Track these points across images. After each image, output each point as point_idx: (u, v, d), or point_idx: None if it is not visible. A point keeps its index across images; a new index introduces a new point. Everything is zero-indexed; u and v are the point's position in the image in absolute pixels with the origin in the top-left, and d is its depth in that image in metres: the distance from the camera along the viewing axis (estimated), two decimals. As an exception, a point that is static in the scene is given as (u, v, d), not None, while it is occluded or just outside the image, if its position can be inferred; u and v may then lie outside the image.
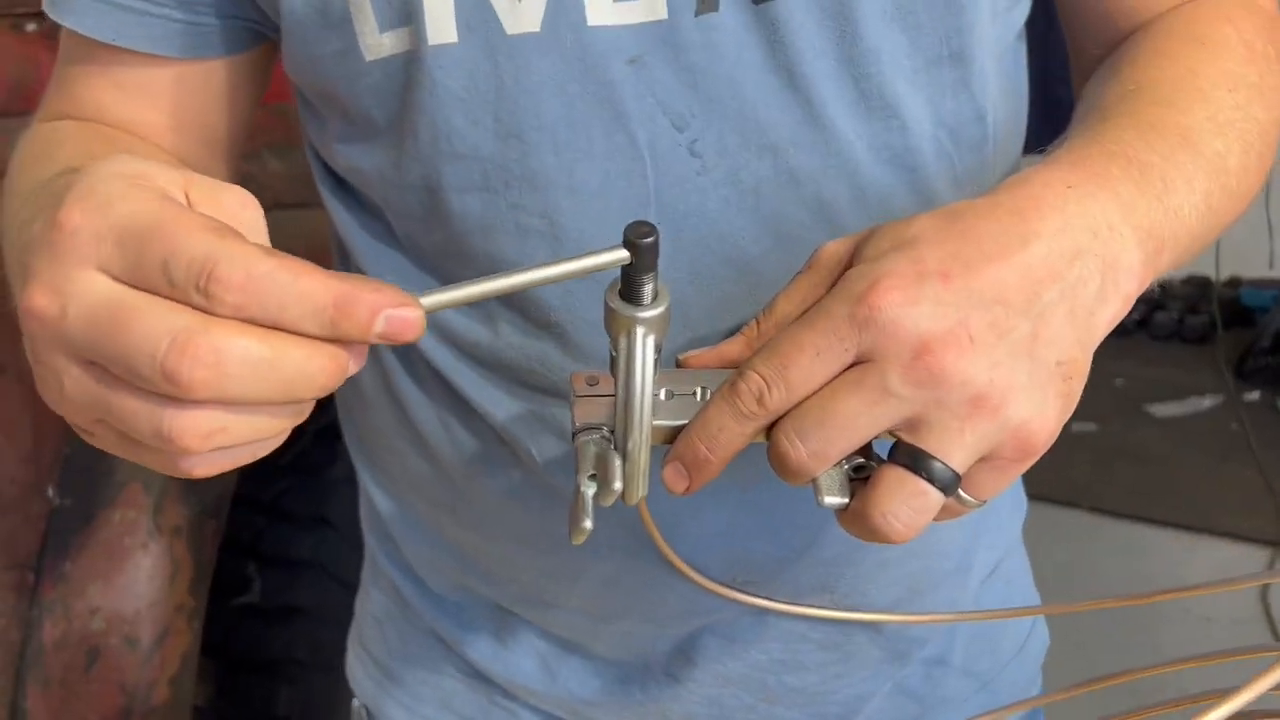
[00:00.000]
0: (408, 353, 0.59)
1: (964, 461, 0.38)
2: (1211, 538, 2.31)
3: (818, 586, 0.58)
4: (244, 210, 0.37)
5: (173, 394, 0.33)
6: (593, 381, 0.42)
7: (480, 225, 0.52)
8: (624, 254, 0.38)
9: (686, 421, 0.40)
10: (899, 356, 0.37)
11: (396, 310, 0.34)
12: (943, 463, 0.38)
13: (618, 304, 0.38)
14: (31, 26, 1.37)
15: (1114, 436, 2.61)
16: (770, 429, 0.39)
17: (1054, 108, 0.63)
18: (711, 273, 0.51)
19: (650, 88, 0.49)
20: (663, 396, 0.41)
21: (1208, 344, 3.07)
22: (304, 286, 0.33)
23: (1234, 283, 3.15)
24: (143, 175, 0.36)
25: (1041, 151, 0.45)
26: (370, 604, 0.72)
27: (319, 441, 1.37)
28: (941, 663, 0.66)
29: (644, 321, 0.38)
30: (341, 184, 0.59)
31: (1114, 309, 0.40)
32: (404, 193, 0.53)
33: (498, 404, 0.56)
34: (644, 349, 0.38)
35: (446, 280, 0.55)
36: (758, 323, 0.42)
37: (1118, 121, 0.45)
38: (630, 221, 0.37)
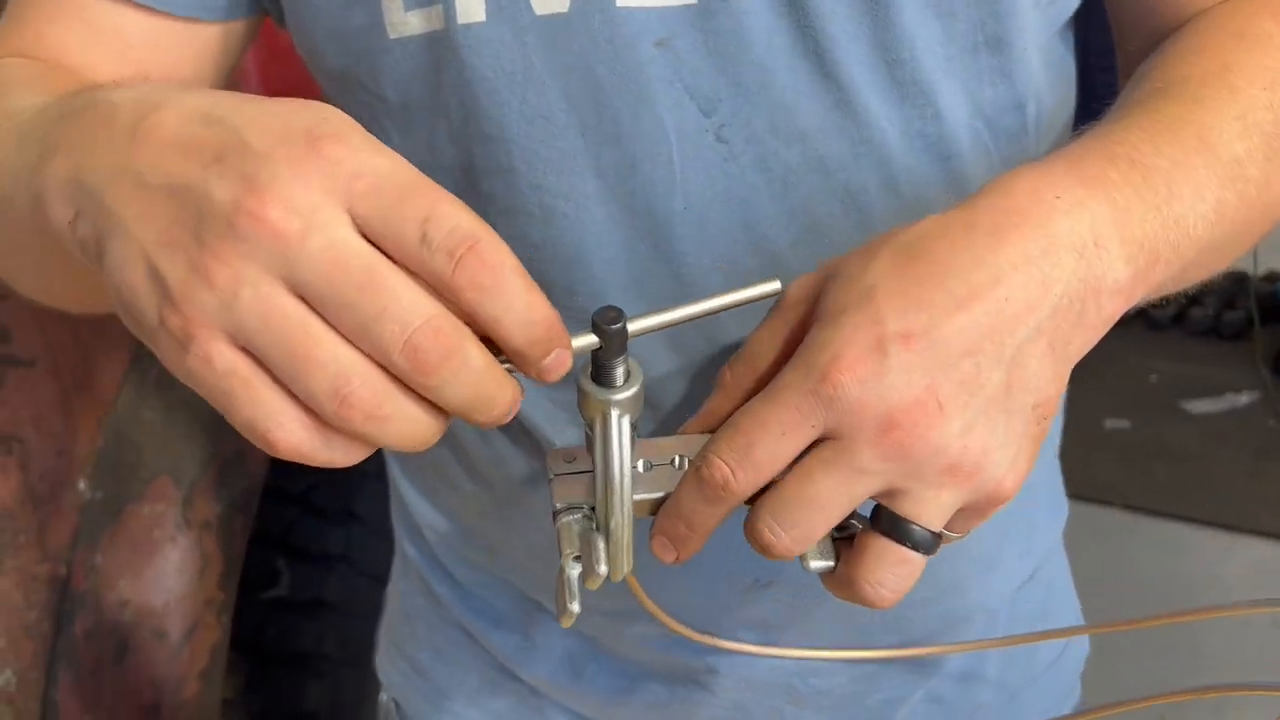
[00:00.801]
0: None
1: (942, 520, 0.38)
2: (1248, 536, 2.28)
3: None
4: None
5: (402, 369, 0.33)
6: (570, 458, 0.42)
7: (505, 207, 0.51)
8: (777, 285, 0.40)
9: (667, 493, 0.40)
10: (866, 434, 0.36)
11: (565, 352, 0.36)
12: (922, 527, 0.38)
13: (591, 387, 0.38)
14: None
15: (1148, 433, 2.57)
16: (749, 504, 0.39)
17: (1091, 96, 0.62)
18: (737, 262, 0.51)
19: (678, 71, 0.48)
20: (641, 469, 0.41)
21: (1244, 340, 3.02)
22: (533, 299, 0.35)
23: (1271, 277, 3.10)
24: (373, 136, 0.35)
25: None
26: (400, 598, 0.72)
27: (347, 436, 1.37)
28: (974, 672, 0.64)
29: (618, 404, 0.38)
30: None
31: (1093, 333, 0.39)
32: (436, 174, 0.53)
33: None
34: (620, 430, 0.38)
35: None
36: (732, 367, 0.41)
37: (1131, 121, 0.43)
38: (599, 307, 0.38)
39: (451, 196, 0.35)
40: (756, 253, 0.50)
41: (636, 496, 0.40)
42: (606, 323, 0.37)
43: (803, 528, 0.38)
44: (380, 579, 1.41)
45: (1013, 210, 0.38)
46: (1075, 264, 0.37)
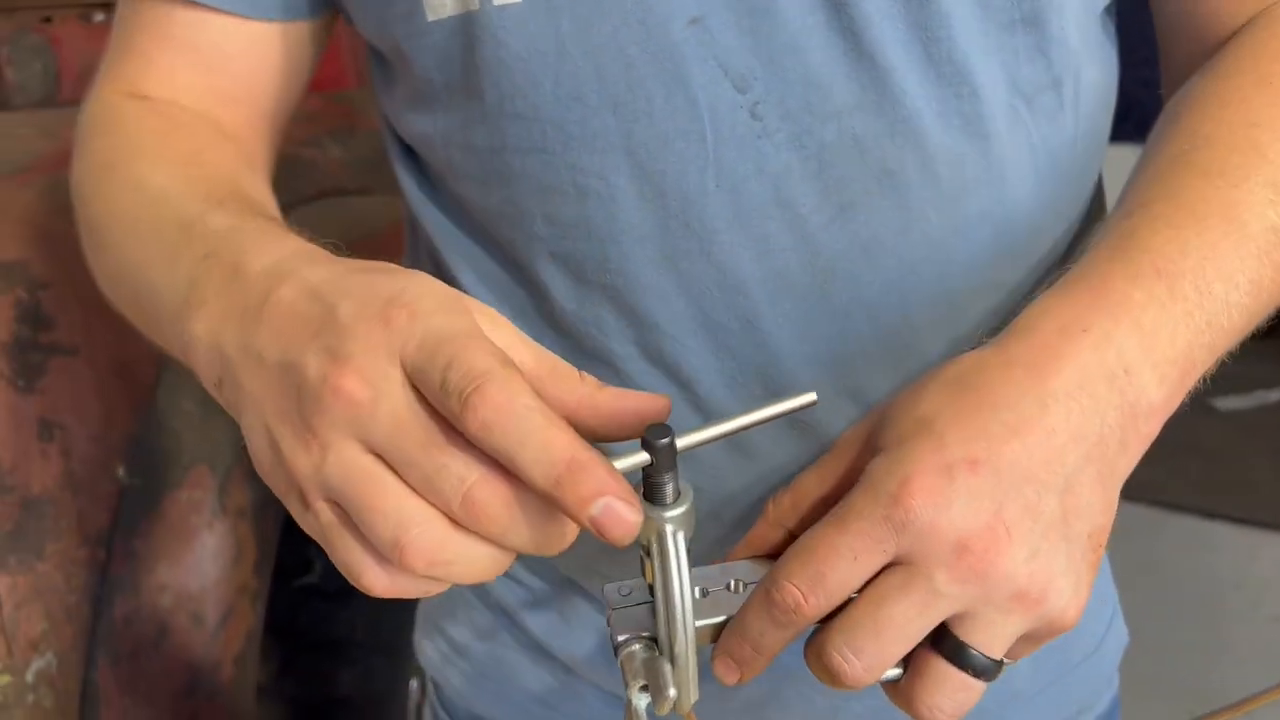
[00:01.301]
0: None
1: (1004, 648, 0.39)
2: (1278, 534, 2.26)
3: None
4: (495, 328, 0.39)
5: (464, 519, 0.36)
6: (625, 591, 0.43)
7: (539, 186, 0.52)
8: (813, 396, 0.40)
9: (726, 617, 0.41)
10: (941, 558, 0.37)
11: (619, 503, 0.35)
12: (985, 655, 0.38)
13: (644, 507, 0.38)
14: (99, 17, 1.40)
15: (1177, 431, 2.52)
16: (818, 628, 0.39)
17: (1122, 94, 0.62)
18: (770, 241, 0.51)
19: (711, 49, 0.48)
20: (698, 594, 0.41)
21: (1274, 337, 2.96)
22: (549, 436, 0.35)
23: (1303, 274, 3.07)
24: (457, 296, 0.39)
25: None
26: None
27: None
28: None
29: (673, 520, 0.38)
30: (411, 155, 0.59)
31: (1135, 455, 0.40)
32: (469, 155, 0.54)
33: None
34: (677, 549, 0.38)
35: (503, 244, 0.55)
36: (777, 500, 0.42)
37: (1157, 213, 0.43)
38: (648, 424, 0.38)
39: (485, 343, 0.36)
40: (789, 230, 0.50)
41: (697, 622, 0.40)
42: (655, 438, 0.37)
43: (876, 654, 0.38)
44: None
45: (1043, 346, 0.39)
46: (1109, 394, 0.38)
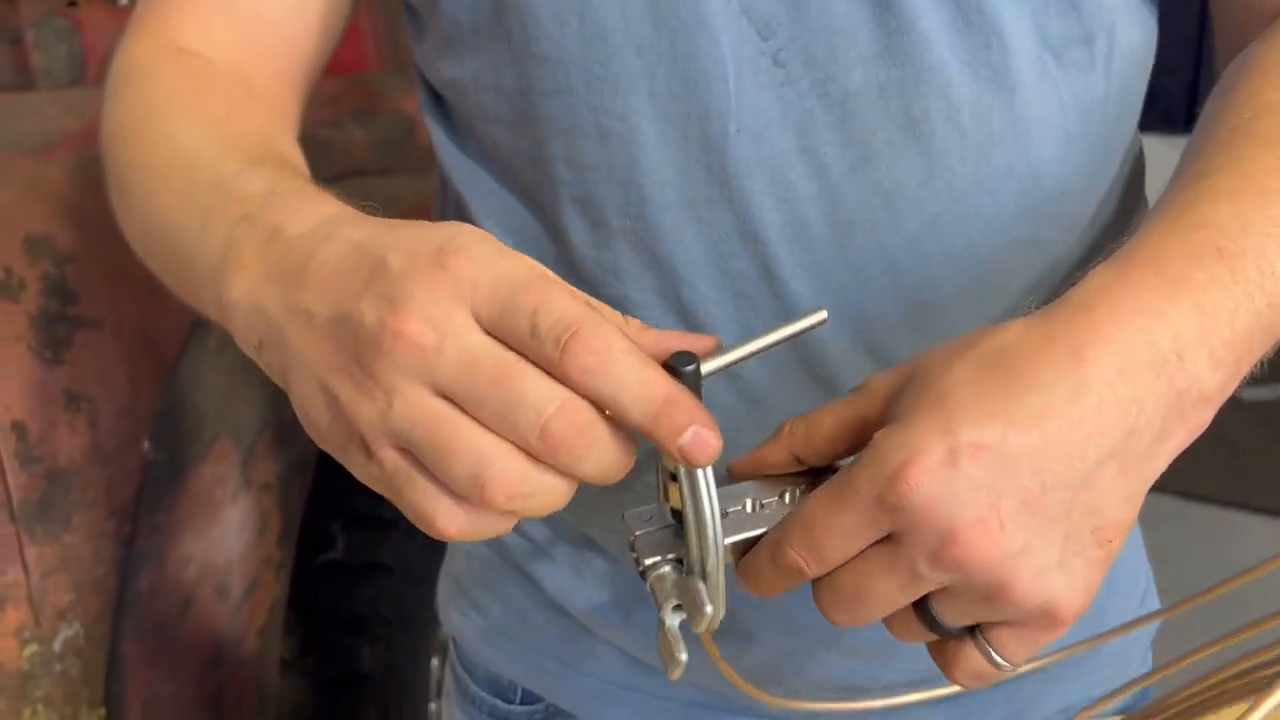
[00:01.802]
0: None
1: (971, 620, 0.39)
2: (1304, 524, 2.25)
3: None
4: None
5: (540, 451, 0.36)
6: (646, 517, 0.44)
7: (562, 128, 0.52)
8: (823, 315, 0.42)
9: (748, 534, 0.42)
10: (926, 545, 0.37)
11: (705, 430, 0.37)
12: (949, 625, 0.40)
13: None
14: (124, 1, 1.41)
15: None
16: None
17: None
18: (791, 189, 0.51)
19: None
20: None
21: (1300, 327, 2.97)
22: (646, 376, 0.37)
23: (1329, 263, 3.05)
24: (501, 244, 0.39)
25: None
26: None
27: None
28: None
29: None
30: (440, 105, 0.60)
31: (1179, 443, 0.38)
32: (498, 97, 0.54)
33: None
34: (705, 471, 0.39)
35: (527, 190, 0.55)
36: (793, 427, 0.43)
37: (1215, 186, 0.41)
38: (673, 353, 0.39)
39: (562, 286, 0.37)
40: (811, 178, 0.50)
41: (725, 539, 0.41)
42: (681, 365, 0.39)
43: (862, 616, 0.40)
44: (433, 544, 1.43)
45: (1089, 325, 0.37)
46: (1155, 383, 0.37)
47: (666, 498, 0.41)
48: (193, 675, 1.04)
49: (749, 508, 0.43)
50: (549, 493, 0.37)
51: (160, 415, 1.03)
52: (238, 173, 0.47)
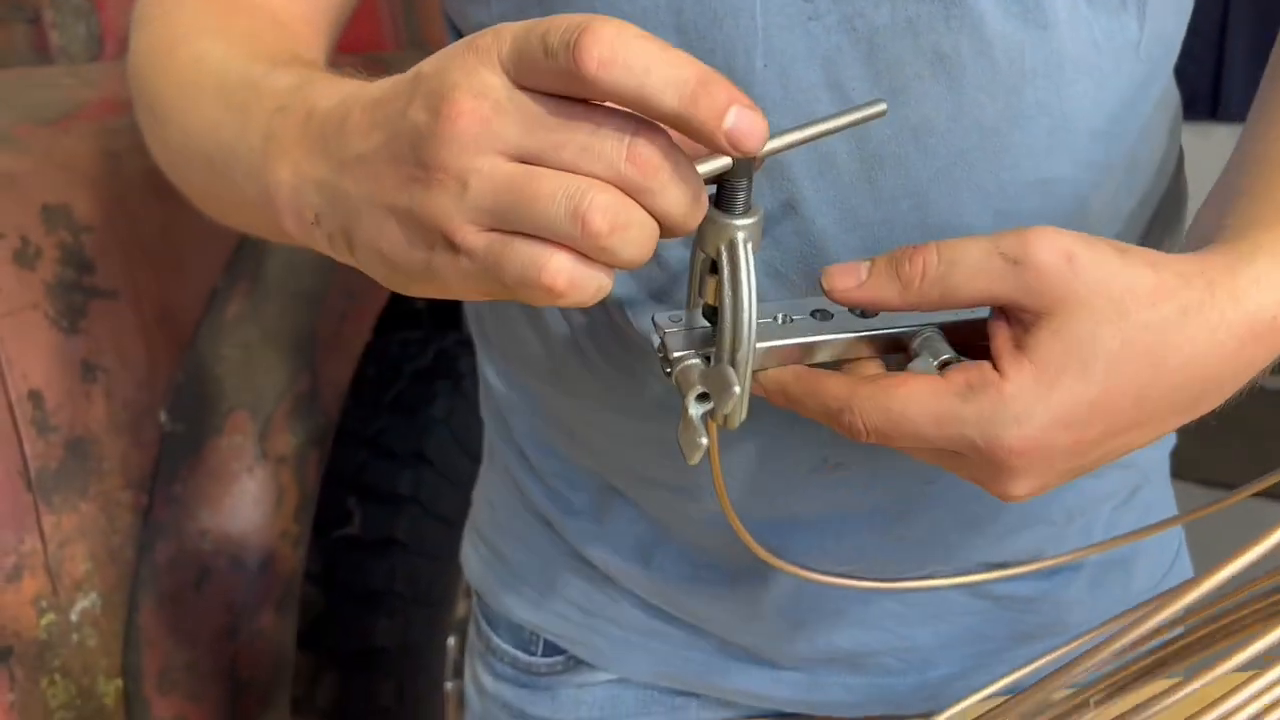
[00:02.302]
0: None
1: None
2: (1330, 513, 2.22)
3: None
4: None
5: (630, 176, 0.35)
6: (675, 319, 0.43)
7: None
8: (883, 106, 0.41)
9: (777, 343, 0.42)
10: (981, 470, 0.40)
11: (749, 109, 0.35)
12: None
13: (717, 215, 0.39)
14: (143, -23, 1.41)
15: (1224, 408, 2.50)
16: None
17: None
18: None
19: None
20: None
21: (1327, 316, 2.94)
22: (672, 55, 0.34)
23: (1357, 251, 3.01)
24: None
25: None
26: (485, 487, 0.73)
27: (417, 381, 1.39)
28: (1059, 600, 0.63)
29: (744, 228, 0.39)
30: None
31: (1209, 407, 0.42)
32: None
33: None
34: (747, 256, 0.39)
35: None
36: (926, 265, 0.41)
37: None
38: None
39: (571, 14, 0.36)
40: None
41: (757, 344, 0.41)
42: None
43: (886, 443, 0.41)
44: (449, 521, 1.43)
45: (1253, 334, 0.39)
46: (1235, 382, 0.41)
47: (701, 295, 0.41)
48: (209, 646, 1.04)
49: (780, 319, 0.43)
50: (641, 225, 0.36)
51: (177, 387, 1.03)
52: (267, 73, 0.47)
